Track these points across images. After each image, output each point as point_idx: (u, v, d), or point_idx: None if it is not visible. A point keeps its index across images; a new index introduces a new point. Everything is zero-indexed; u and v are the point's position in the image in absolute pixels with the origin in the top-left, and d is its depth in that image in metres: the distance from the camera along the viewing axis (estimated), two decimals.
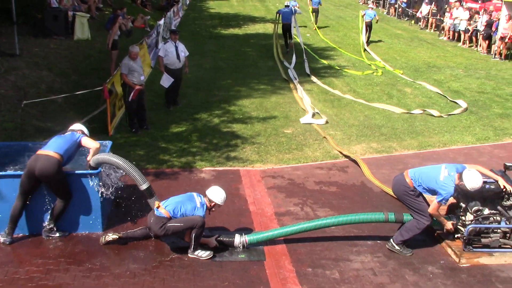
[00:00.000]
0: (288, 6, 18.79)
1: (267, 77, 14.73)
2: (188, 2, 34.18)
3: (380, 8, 34.51)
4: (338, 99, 12.73)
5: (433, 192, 5.74)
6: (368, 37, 20.39)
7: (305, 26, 24.38)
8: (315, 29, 23.38)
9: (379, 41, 21.82)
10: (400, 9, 29.70)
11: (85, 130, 6.44)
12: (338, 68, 16.32)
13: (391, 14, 31.20)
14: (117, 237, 5.86)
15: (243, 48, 19.26)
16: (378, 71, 15.95)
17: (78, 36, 15.23)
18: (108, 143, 7.04)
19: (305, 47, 17.83)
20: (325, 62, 17.28)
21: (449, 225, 5.98)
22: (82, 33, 15.40)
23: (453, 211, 6.31)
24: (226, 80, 14.29)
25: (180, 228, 5.65)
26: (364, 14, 20.17)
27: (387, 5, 32.64)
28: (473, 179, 5.61)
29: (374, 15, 20.30)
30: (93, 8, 18.51)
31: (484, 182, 5.92)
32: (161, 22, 18.56)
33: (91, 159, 6.06)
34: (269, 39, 21.10)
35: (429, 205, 5.84)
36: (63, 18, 14.79)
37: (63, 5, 15.69)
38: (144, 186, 5.94)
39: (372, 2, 30.95)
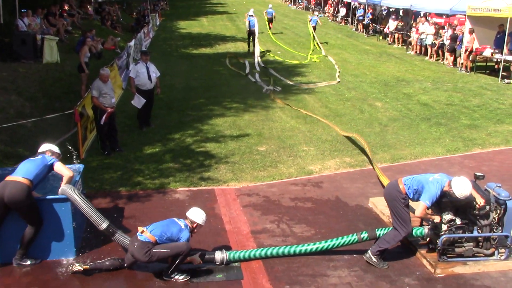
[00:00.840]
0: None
1: (240, 96, 14.81)
2: (158, 23, 34.29)
3: (348, 25, 35.27)
4: (311, 114, 12.86)
5: (420, 194, 5.86)
6: (314, 36, 25.98)
7: (262, 32, 26.32)
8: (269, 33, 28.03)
9: (338, 54, 22.25)
10: (370, 26, 30.37)
11: (55, 149, 6.35)
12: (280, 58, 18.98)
13: (359, 30, 31.90)
14: (82, 269, 5.68)
15: (215, 67, 19.36)
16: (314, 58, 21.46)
17: (47, 60, 15.04)
18: (80, 166, 6.94)
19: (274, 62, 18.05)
20: (291, 81, 17.47)
21: (437, 218, 6.07)
22: (51, 56, 15.21)
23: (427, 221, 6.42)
24: (199, 99, 14.31)
25: (166, 254, 5.57)
26: (311, 20, 27.30)
27: (355, 22, 33.38)
28: (462, 186, 5.75)
29: (317, 21, 27.38)
30: (62, 31, 18.38)
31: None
32: (132, 43, 18.55)
33: (60, 189, 5.95)
34: (240, 56, 21.28)
35: (409, 218, 5.97)
36: (32, 41, 14.57)
37: (31, 29, 15.51)
38: (103, 226, 5.81)
39: (318, 10, 42.70)
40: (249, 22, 22.45)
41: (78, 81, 13.81)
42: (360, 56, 22.54)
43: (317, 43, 24.89)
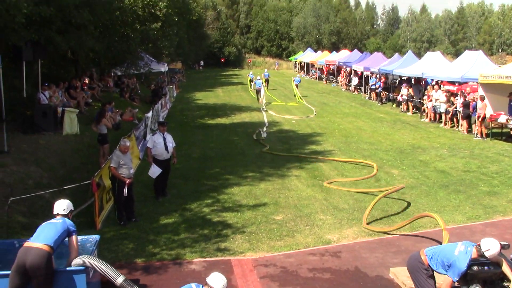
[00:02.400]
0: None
1: (255, 165, 14.93)
2: (175, 94, 35.37)
3: (361, 93, 35.96)
4: (329, 185, 12.85)
5: (447, 267, 5.74)
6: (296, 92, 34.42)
7: (269, 103, 30.38)
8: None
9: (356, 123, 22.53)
10: (383, 94, 30.93)
11: (71, 207, 6.45)
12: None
13: (372, 98, 32.45)
14: None
15: (230, 137, 19.69)
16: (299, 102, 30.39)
17: (67, 131, 15.47)
18: (96, 237, 6.97)
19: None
20: (312, 147, 17.65)
21: None
22: (71, 128, 15.67)
23: None
24: (215, 169, 14.45)
25: None
26: (294, 79, 36.52)
27: (368, 90, 34.02)
28: (492, 245, 5.66)
29: (299, 80, 37.40)
30: (82, 103, 19.03)
31: (483, 264, 5.89)
32: (149, 114, 19.08)
33: (73, 262, 5.93)
34: (256, 127, 21.68)
35: None
36: (52, 114, 15.04)
37: (52, 102, 16.09)
38: (119, 280, 5.79)
39: (299, 71, 58.51)
40: (255, 83, 34.19)
41: (97, 152, 14.12)
42: (374, 124, 22.81)
43: (300, 97, 33.47)
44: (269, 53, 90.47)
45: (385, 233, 9.45)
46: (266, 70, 46.49)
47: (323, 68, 50.49)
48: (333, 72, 47.06)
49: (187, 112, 27.27)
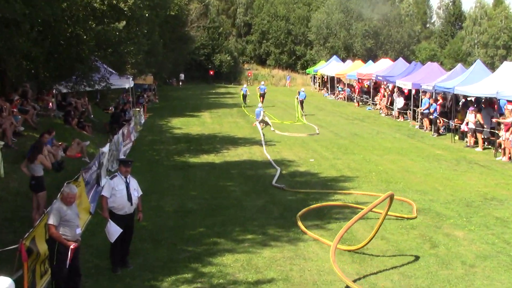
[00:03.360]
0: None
1: (257, 222, 14.82)
2: (143, 121, 35.52)
3: (409, 120, 36.11)
4: (361, 250, 12.72)
5: None
6: (302, 109, 40.87)
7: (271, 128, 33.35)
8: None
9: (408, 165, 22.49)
10: (439, 122, 31.00)
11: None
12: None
13: (425, 128, 32.50)
14: None
15: (221, 182, 19.61)
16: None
17: None
18: None
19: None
20: (339, 199, 17.56)
21: None
22: None
23: None
24: (198, 228, 14.33)
25: None
26: (299, 94, 41.91)
27: (419, 116, 34.12)
28: None
29: (305, 96, 43.21)
30: (9, 132, 18.96)
31: None
32: (105, 149, 19.04)
33: None
34: (258, 167, 21.62)
35: None
36: None
37: None
38: None
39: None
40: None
41: (29, 202, 14.01)
42: (428, 165, 22.77)
43: (301, 115, 39.13)
44: (278, 63, 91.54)
45: None
46: (262, 83, 53.20)
47: (355, 84, 51.03)
48: (369, 90, 47.53)
49: (160, 146, 27.30)
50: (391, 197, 12.49)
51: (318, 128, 32.99)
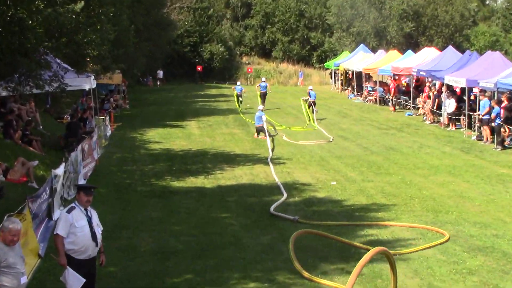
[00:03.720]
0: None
1: (261, 266, 14.79)
2: (109, 133, 35.46)
3: (463, 129, 35.99)
4: None
5: None
6: (316, 111, 43.60)
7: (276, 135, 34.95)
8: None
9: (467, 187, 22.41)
10: (505, 132, 30.78)
11: None
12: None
13: (485, 139, 32.29)
14: None
15: (213, 213, 19.53)
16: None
17: None
18: None
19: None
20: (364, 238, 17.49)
21: None
22: None
23: None
24: (184, 274, 14.31)
25: None
26: (309, 95, 44.69)
27: (476, 124, 33.96)
28: None
29: (315, 95, 45.14)
30: None
31: None
32: (59, 171, 18.99)
33: None
34: (262, 193, 21.54)
35: None
36: None
37: None
38: None
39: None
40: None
41: None
42: (490, 188, 22.76)
43: (312, 119, 41.54)
44: (287, 55, 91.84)
45: None
46: (263, 79, 57.16)
47: (389, 82, 50.92)
48: (408, 90, 47.49)
49: (132, 167, 27.23)
50: (387, 255, 11.99)
51: (332, 137, 34.68)
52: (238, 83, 57.65)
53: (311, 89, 46.76)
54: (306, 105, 44.12)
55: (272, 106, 47.27)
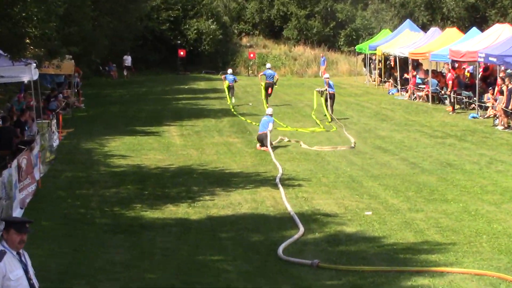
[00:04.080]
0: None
1: None
2: (56, 143, 35.44)
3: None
4: None
5: None
6: (332, 105, 46.58)
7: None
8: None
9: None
10: None
11: None
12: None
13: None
14: None
15: (201, 255, 19.46)
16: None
17: None
18: None
19: None
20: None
21: None
22: None
23: None
24: None
25: None
26: (329, 85, 46.70)
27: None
28: None
29: (333, 85, 47.68)
30: None
31: None
32: None
33: None
34: (268, 228, 21.49)
35: None
36: None
37: None
38: None
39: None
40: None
41: None
42: None
43: (330, 115, 45.05)
44: (304, 34, 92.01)
45: None
46: (268, 65, 58.88)
47: (445, 71, 50.87)
48: (473, 83, 47.45)
49: (89, 190, 27.17)
50: None
51: (354, 140, 36.59)
52: (230, 70, 58.61)
53: (328, 78, 48.49)
54: (323, 98, 46.28)
55: (278, 101, 48.59)
